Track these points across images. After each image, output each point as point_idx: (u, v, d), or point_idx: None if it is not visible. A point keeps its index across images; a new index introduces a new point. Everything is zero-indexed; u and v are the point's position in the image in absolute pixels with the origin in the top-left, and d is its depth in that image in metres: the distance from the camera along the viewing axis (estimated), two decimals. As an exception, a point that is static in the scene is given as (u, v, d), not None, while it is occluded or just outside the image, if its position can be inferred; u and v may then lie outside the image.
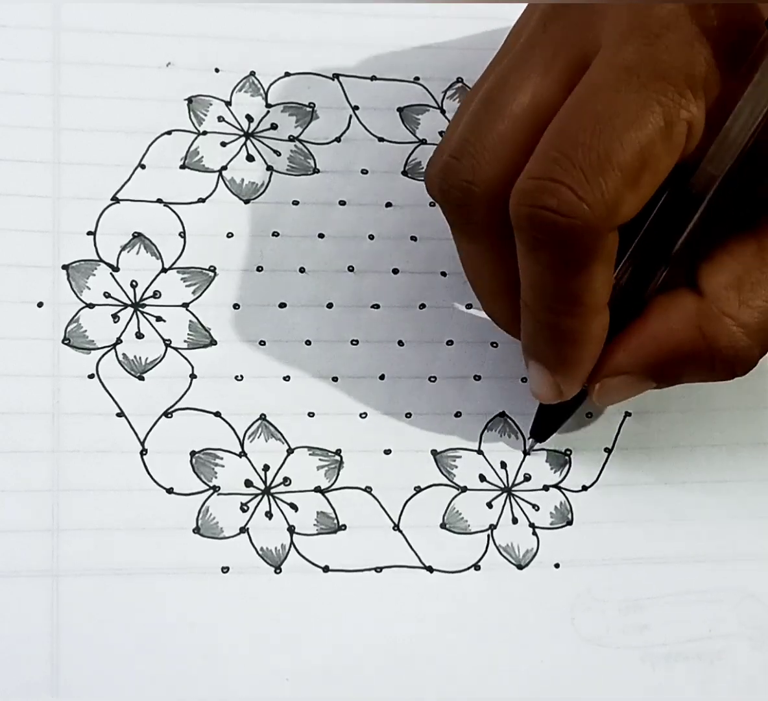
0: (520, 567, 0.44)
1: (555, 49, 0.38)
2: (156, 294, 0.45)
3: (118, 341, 0.44)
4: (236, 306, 0.45)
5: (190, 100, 0.47)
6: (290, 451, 0.44)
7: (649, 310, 0.40)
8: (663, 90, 0.35)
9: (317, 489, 0.44)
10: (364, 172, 0.48)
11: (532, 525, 0.44)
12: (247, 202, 0.46)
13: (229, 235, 0.46)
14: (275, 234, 0.46)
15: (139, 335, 0.44)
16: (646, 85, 0.35)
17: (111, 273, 0.45)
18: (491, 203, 0.38)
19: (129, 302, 0.45)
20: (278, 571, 0.42)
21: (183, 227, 0.46)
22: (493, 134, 0.38)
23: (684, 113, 0.35)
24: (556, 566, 0.44)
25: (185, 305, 0.45)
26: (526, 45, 0.39)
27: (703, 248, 0.39)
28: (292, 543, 0.43)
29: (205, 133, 0.47)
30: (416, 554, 0.43)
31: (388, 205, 0.47)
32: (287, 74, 0.48)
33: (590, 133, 0.35)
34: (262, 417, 0.44)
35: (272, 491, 0.43)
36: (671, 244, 0.39)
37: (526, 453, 0.45)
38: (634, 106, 0.35)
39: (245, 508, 0.43)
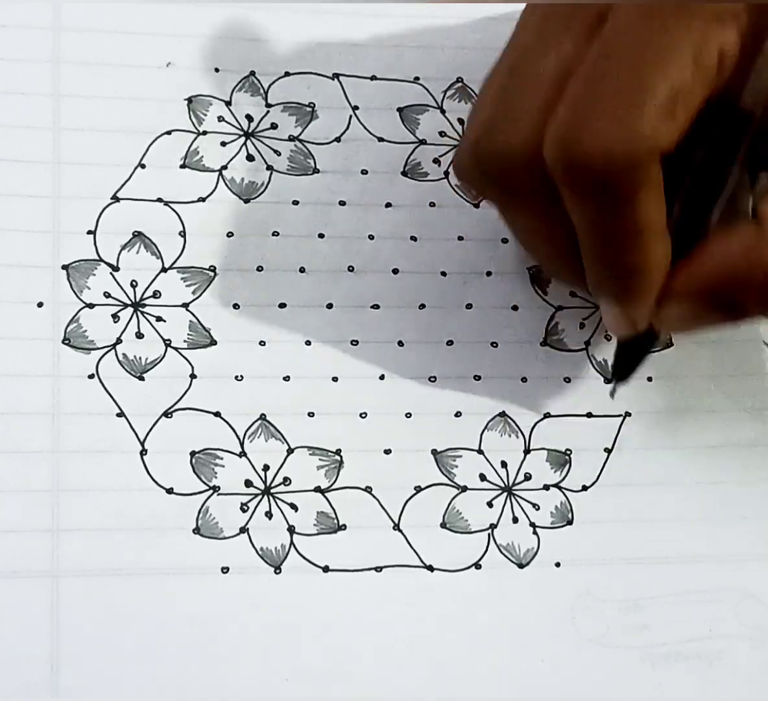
0: (520, 566, 0.44)
1: (570, 14, 0.38)
2: (156, 294, 0.45)
3: (118, 341, 0.44)
4: (236, 306, 0.45)
5: (190, 100, 0.47)
6: (290, 451, 0.44)
7: (709, 239, 0.39)
8: (687, 23, 0.35)
9: (317, 489, 0.44)
10: (364, 172, 0.48)
11: (532, 525, 0.44)
12: (247, 201, 0.46)
13: (229, 234, 0.46)
14: (275, 234, 0.46)
15: (139, 335, 0.44)
16: (669, 19, 0.35)
17: (111, 273, 0.45)
18: (532, 166, 0.37)
19: (129, 302, 0.45)
20: (278, 571, 0.43)
21: (183, 227, 0.46)
22: (523, 100, 0.37)
23: (714, 40, 0.35)
24: (557, 565, 0.44)
25: (185, 305, 0.45)
26: (541, 18, 0.39)
27: (759, 176, 0.39)
28: (292, 542, 0.43)
29: (205, 132, 0.47)
30: (416, 553, 0.43)
31: (388, 205, 0.47)
32: (287, 74, 0.48)
33: (617, 71, 0.35)
34: (262, 417, 0.44)
35: (272, 491, 0.43)
36: (726, 172, 0.39)
37: (526, 452, 0.45)
38: (659, 39, 0.35)
39: (245, 508, 0.43)
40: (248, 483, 0.43)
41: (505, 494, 0.45)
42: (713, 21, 0.35)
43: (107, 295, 0.44)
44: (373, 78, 0.49)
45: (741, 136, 0.38)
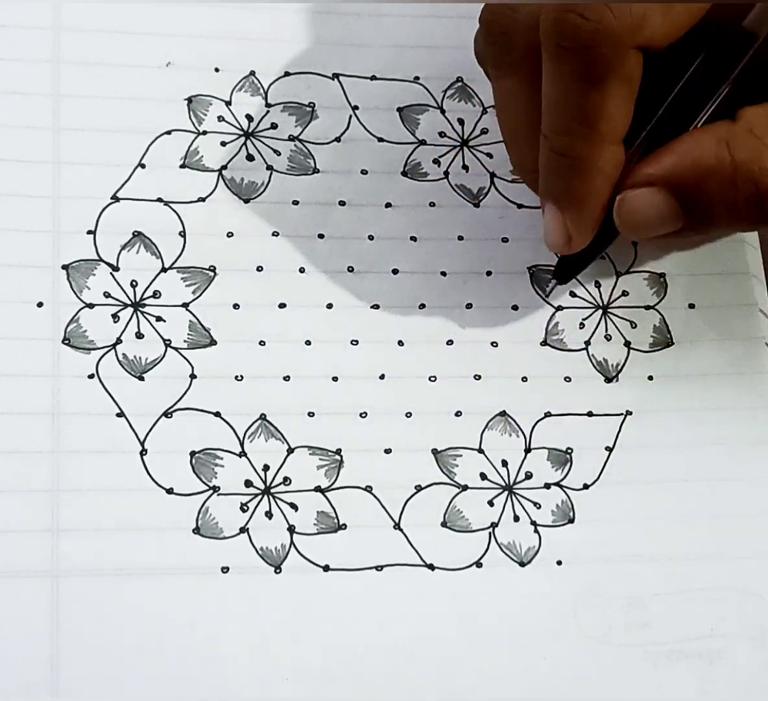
0: (522, 565, 0.44)
1: None
2: (156, 294, 0.45)
3: (118, 341, 0.44)
4: (236, 306, 0.45)
5: (189, 99, 0.47)
6: (290, 451, 0.44)
7: (684, 135, 0.40)
8: None
9: (317, 489, 0.44)
10: (364, 172, 0.48)
11: (533, 523, 0.44)
12: (247, 201, 0.46)
13: (229, 234, 0.46)
14: (275, 234, 0.46)
15: (139, 335, 0.44)
16: None
17: (111, 273, 0.45)
18: (530, 31, 0.38)
19: (129, 302, 0.45)
20: (278, 571, 0.42)
21: (183, 227, 0.46)
22: None
23: None
24: (559, 563, 0.44)
25: (185, 305, 0.45)
26: None
27: (749, 97, 0.39)
28: (292, 542, 0.43)
29: (204, 132, 0.47)
30: (417, 552, 0.43)
31: (388, 205, 0.47)
32: (287, 74, 0.48)
33: None
34: (262, 417, 0.44)
35: (272, 491, 0.43)
36: (716, 87, 0.39)
37: (527, 451, 0.45)
38: None
39: (245, 508, 0.43)
40: (248, 483, 0.43)
41: (505, 493, 0.45)
42: None
43: (107, 295, 0.44)
44: (373, 78, 0.49)
45: (739, 56, 0.38)
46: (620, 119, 0.38)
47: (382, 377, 0.45)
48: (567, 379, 0.46)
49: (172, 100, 0.47)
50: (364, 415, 0.45)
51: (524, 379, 0.46)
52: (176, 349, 0.44)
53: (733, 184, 0.38)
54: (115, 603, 0.41)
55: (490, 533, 0.44)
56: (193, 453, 0.43)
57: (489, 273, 0.47)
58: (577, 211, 0.41)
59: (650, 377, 0.47)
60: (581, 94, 0.38)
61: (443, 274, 0.47)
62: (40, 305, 0.44)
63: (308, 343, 0.45)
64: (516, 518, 0.44)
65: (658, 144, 0.40)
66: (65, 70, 0.46)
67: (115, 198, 0.45)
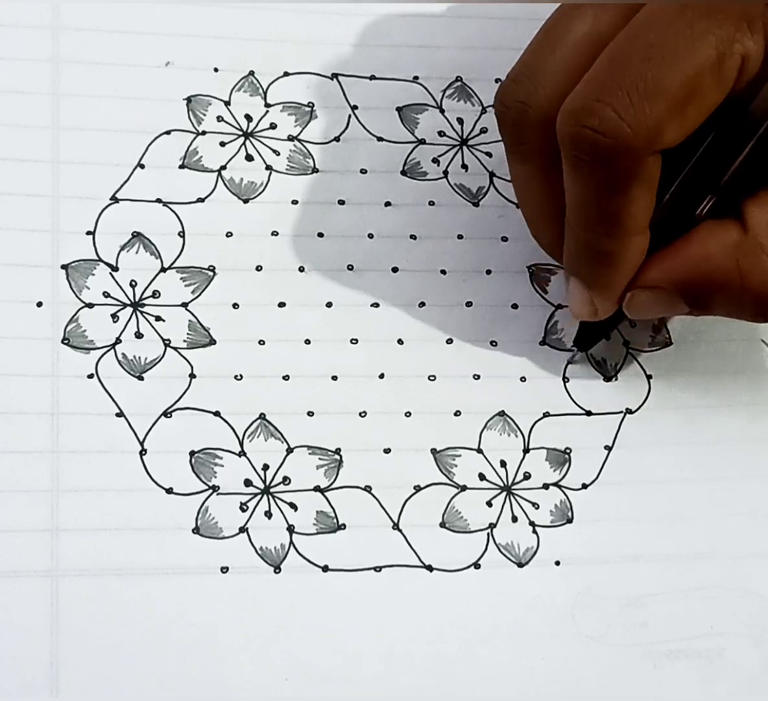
0: (520, 565, 0.44)
1: None
2: (155, 294, 0.45)
3: (118, 340, 0.44)
4: (235, 306, 0.45)
5: (189, 99, 0.47)
6: (290, 450, 0.44)
7: (692, 234, 0.40)
8: (718, 23, 0.35)
9: (317, 489, 0.44)
10: (363, 171, 0.48)
11: (532, 524, 0.44)
12: (246, 201, 0.46)
13: (229, 234, 0.46)
14: (274, 233, 0.46)
15: (139, 335, 0.44)
16: (700, 17, 0.35)
17: (110, 273, 0.45)
18: (544, 124, 0.39)
19: (128, 302, 0.45)
20: (278, 571, 0.42)
21: (182, 227, 0.46)
22: (550, 59, 0.39)
23: (738, 47, 0.35)
24: (557, 563, 0.44)
25: (184, 305, 0.45)
26: None
27: (754, 183, 0.39)
28: (291, 542, 0.43)
29: (204, 132, 0.47)
30: (416, 553, 0.43)
31: (387, 204, 0.47)
32: (286, 74, 0.48)
33: (640, 60, 0.36)
34: (262, 417, 0.44)
35: (272, 490, 0.43)
36: (723, 171, 0.39)
37: (526, 451, 0.45)
38: (686, 36, 0.35)
39: (245, 508, 0.43)
40: (248, 483, 0.43)
41: (504, 493, 0.45)
42: (742, 25, 0.35)
43: (106, 295, 0.44)
44: (372, 77, 0.49)
45: (745, 141, 0.38)
46: (643, 214, 0.39)
47: (381, 376, 0.45)
48: (566, 379, 0.46)
49: (172, 100, 0.47)
50: (363, 414, 0.45)
51: (523, 379, 0.46)
52: (176, 349, 0.44)
53: (740, 302, 0.40)
54: (114, 603, 0.41)
55: (488, 533, 0.44)
56: (192, 453, 0.43)
57: (488, 272, 0.47)
58: (604, 292, 0.42)
59: (649, 376, 0.47)
60: (604, 198, 0.38)
61: (443, 272, 0.47)
62: (39, 304, 0.44)
63: (308, 342, 0.45)
64: (514, 519, 0.44)
65: (669, 227, 0.40)
66: (65, 69, 0.46)
67: (115, 199, 0.45)
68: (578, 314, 0.43)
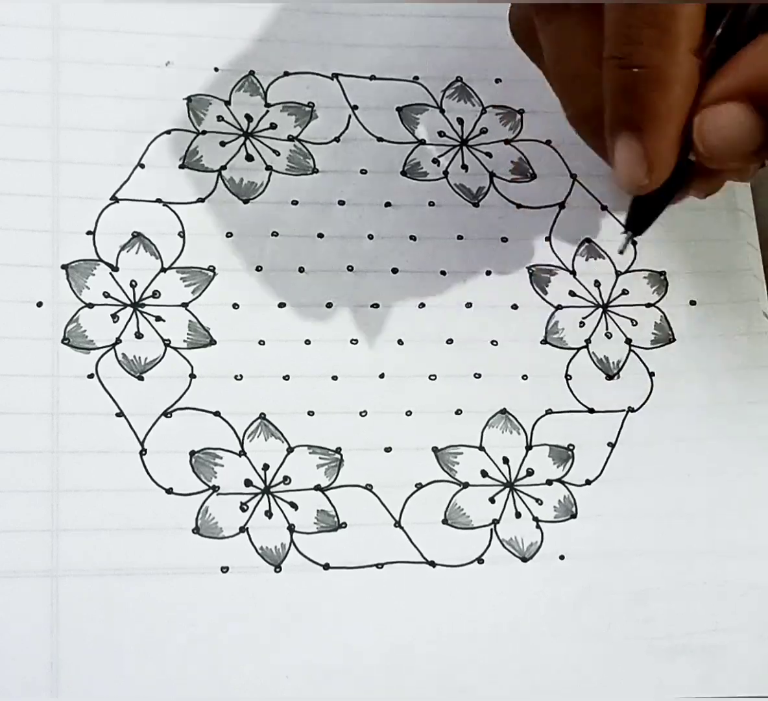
0: (524, 560, 0.44)
1: None
2: (155, 294, 0.45)
3: (118, 340, 0.44)
4: (236, 306, 0.45)
5: (189, 99, 0.47)
6: (290, 450, 0.44)
7: (755, 43, 0.36)
8: None
9: (317, 488, 0.44)
10: (363, 172, 0.48)
11: (535, 519, 0.44)
12: (246, 202, 0.46)
13: (229, 235, 0.46)
14: (274, 234, 0.46)
15: (139, 335, 0.44)
16: None
17: (110, 273, 0.45)
18: None
19: (128, 302, 0.45)
20: (278, 570, 0.42)
21: (182, 227, 0.46)
22: None
23: None
24: (561, 558, 0.44)
25: (185, 305, 0.45)
26: None
27: None
28: (292, 541, 0.43)
29: (204, 132, 0.47)
30: (418, 549, 0.43)
31: (387, 204, 0.47)
32: (286, 74, 0.48)
33: None
34: (262, 416, 0.44)
35: (272, 490, 0.43)
36: None
37: (528, 448, 0.45)
38: None
39: (245, 507, 0.43)
40: (248, 483, 0.43)
41: (507, 489, 0.45)
42: None
43: (107, 295, 0.44)
44: (373, 78, 0.49)
45: None
46: (695, 21, 0.35)
47: (381, 375, 0.45)
48: (568, 377, 0.46)
49: (172, 99, 0.47)
50: (364, 414, 0.45)
51: (524, 377, 0.46)
52: (176, 349, 0.44)
53: None
54: (114, 603, 0.41)
55: (491, 529, 0.44)
56: (192, 453, 0.43)
57: (488, 272, 0.47)
58: (657, 131, 0.37)
59: (652, 373, 0.47)
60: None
61: (443, 273, 0.47)
62: (39, 304, 0.44)
63: (308, 342, 0.45)
64: (517, 515, 0.44)
65: (724, 57, 0.36)
66: (65, 69, 0.46)
67: (115, 199, 0.45)
68: (631, 179, 0.38)
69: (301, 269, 0.46)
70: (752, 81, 0.36)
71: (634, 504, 0.45)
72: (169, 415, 0.44)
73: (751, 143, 0.37)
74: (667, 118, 0.37)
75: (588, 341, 0.47)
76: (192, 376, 0.44)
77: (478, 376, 0.46)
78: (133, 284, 0.45)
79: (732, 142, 0.37)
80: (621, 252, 0.42)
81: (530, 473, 0.45)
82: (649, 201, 0.40)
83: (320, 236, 0.47)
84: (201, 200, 0.46)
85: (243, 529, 0.43)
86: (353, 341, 0.45)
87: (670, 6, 0.35)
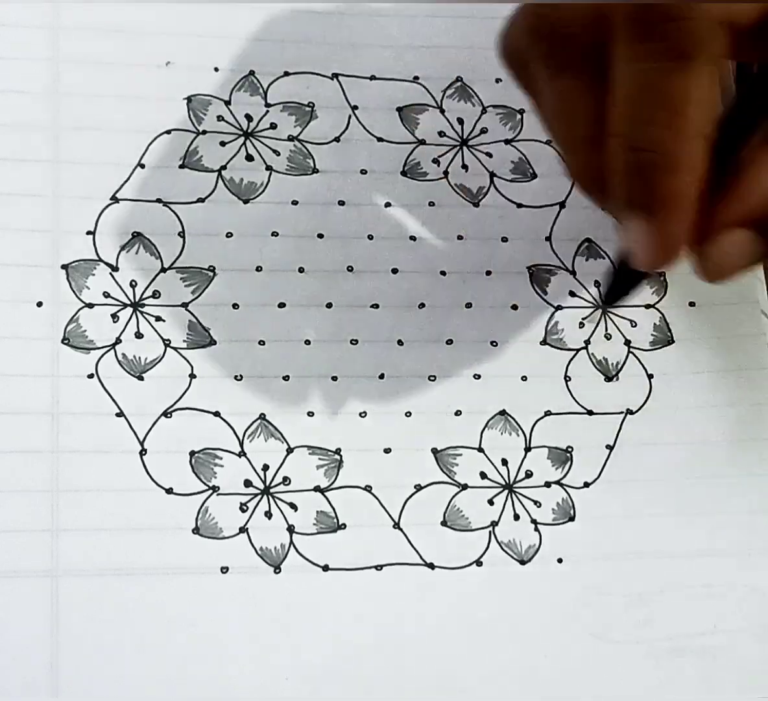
0: (522, 563, 0.44)
1: None
2: (155, 294, 0.45)
3: (118, 340, 0.44)
4: (235, 306, 0.45)
5: (189, 99, 0.47)
6: (290, 450, 0.44)
7: (759, 160, 0.36)
8: None
9: (317, 489, 0.44)
10: (363, 172, 0.48)
11: (534, 521, 0.44)
12: (246, 202, 0.46)
13: (229, 235, 0.46)
14: (274, 234, 0.46)
15: (139, 335, 0.44)
16: None
17: (110, 273, 0.45)
18: (590, 26, 0.35)
19: (128, 302, 0.45)
20: (278, 571, 0.42)
21: (182, 227, 0.46)
22: None
23: None
24: (560, 561, 0.44)
25: (184, 305, 0.45)
26: None
27: None
28: (291, 542, 0.43)
29: (204, 132, 0.47)
30: (417, 551, 0.43)
31: (387, 205, 0.47)
32: (286, 74, 0.48)
33: None
34: (262, 417, 0.44)
35: (272, 490, 0.43)
36: None
37: (527, 450, 0.45)
38: None
39: (245, 508, 0.43)
40: (248, 483, 0.43)
41: (506, 491, 0.45)
42: None
43: (106, 295, 0.44)
44: (373, 78, 0.49)
45: None
46: (708, 107, 0.34)
47: (381, 376, 0.45)
48: (567, 378, 0.46)
49: (172, 99, 0.47)
50: (363, 414, 0.45)
51: (524, 378, 0.46)
52: (176, 349, 0.44)
53: None
54: (114, 603, 0.41)
55: (490, 531, 0.44)
56: (192, 453, 0.43)
57: (488, 273, 0.47)
58: (671, 217, 0.35)
59: (650, 375, 0.47)
60: (666, 75, 0.34)
61: (443, 273, 0.47)
62: (39, 304, 0.44)
63: (308, 342, 0.45)
64: (516, 517, 0.44)
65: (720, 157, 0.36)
66: (65, 69, 0.46)
67: (115, 199, 0.45)
68: (651, 259, 0.37)
69: (301, 269, 0.46)
70: (757, 208, 0.36)
71: (633, 506, 0.45)
72: (169, 415, 0.44)
73: (756, 265, 0.37)
74: (679, 204, 0.35)
75: (587, 342, 0.47)
76: (192, 376, 0.44)
77: (477, 377, 0.46)
78: (133, 284, 0.45)
79: (737, 267, 0.37)
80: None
81: (529, 475, 0.45)
82: (632, 275, 0.40)
83: (320, 236, 0.47)
84: (201, 200, 0.46)
85: (243, 529, 0.43)
86: (353, 341, 0.45)
87: (684, 90, 0.34)
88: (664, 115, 0.34)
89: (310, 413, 0.44)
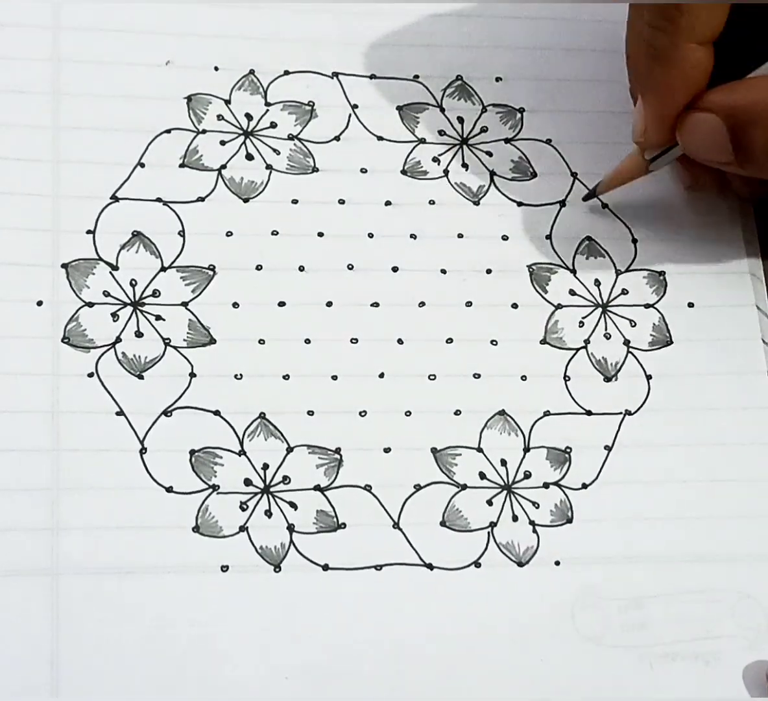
0: (520, 565, 0.44)
1: None
2: (155, 293, 0.45)
3: (118, 339, 0.44)
4: (236, 305, 0.45)
5: (189, 98, 0.47)
6: (290, 450, 0.44)
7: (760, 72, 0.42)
8: None
9: (317, 488, 0.44)
10: (364, 171, 0.48)
11: (532, 523, 0.44)
12: (246, 201, 0.47)
13: (229, 234, 0.46)
14: (274, 233, 0.46)
15: (139, 334, 0.44)
16: None
17: (110, 272, 0.45)
18: None
19: (128, 301, 0.45)
20: (278, 570, 0.42)
21: (182, 226, 0.46)
22: None
23: None
24: (557, 563, 0.44)
25: (185, 304, 0.45)
26: None
27: None
28: (291, 541, 0.43)
29: (204, 131, 0.47)
30: (416, 551, 0.43)
31: (388, 203, 0.47)
32: (286, 73, 0.48)
33: None
34: (262, 416, 0.44)
35: (272, 489, 0.43)
36: None
37: (526, 450, 0.45)
38: None
39: (245, 507, 0.43)
40: (248, 482, 0.43)
41: (504, 492, 0.45)
42: None
43: (106, 294, 0.44)
44: (373, 77, 0.49)
45: None
46: (702, 18, 0.41)
47: (381, 375, 0.45)
48: (566, 378, 0.46)
49: (172, 98, 0.47)
50: (363, 414, 0.45)
51: (523, 378, 0.46)
52: (176, 348, 0.44)
53: None
54: (114, 602, 0.41)
55: (488, 532, 0.44)
56: (192, 452, 0.43)
57: (488, 271, 0.47)
58: (654, 101, 0.44)
59: (649, 377, 0.47)
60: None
61: (443, 272, 0.47)
62: (39, 303, 0.44)
63: (308, 341, 0.45)
64: (514, 518, 0.44)
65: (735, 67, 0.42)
66: (65, 68, 0.46)
67: (115, 198, 0.45)
68: (632, 131, 0.45)
69: (301, 268, 0.46)
70: (735, 102, 0.42)
71: (630, 509, 0.45)
72: (169, 414, 0.44)
73: (718, 156, 0.44)
74: (662, 92, 0.43)
75: (587, 341, 0.47)
76: (192, 375, 0.44)
77: (477, 376, 0.46)
78: (133, 283, 0.45)
79: (702, 147, 0.44)
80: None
81: (527, 475, 0.45)
82: None
83: (320, 234, 0.47)
84: (201, 199, 0.46)
85: (243, 528, 0.43)
86: (353, 341, 0.45)
87: (681, 4, 0.41)
88: (661, 21, 0.42)
89: (310, 413, 0.44)
